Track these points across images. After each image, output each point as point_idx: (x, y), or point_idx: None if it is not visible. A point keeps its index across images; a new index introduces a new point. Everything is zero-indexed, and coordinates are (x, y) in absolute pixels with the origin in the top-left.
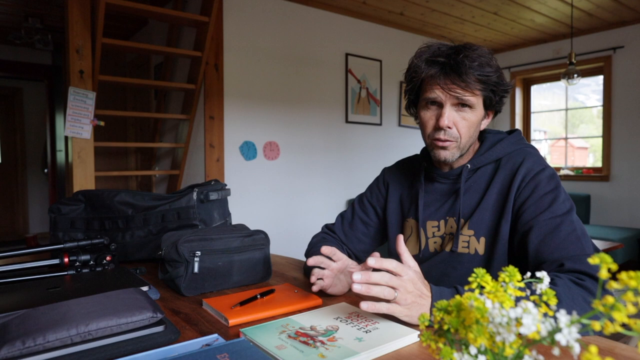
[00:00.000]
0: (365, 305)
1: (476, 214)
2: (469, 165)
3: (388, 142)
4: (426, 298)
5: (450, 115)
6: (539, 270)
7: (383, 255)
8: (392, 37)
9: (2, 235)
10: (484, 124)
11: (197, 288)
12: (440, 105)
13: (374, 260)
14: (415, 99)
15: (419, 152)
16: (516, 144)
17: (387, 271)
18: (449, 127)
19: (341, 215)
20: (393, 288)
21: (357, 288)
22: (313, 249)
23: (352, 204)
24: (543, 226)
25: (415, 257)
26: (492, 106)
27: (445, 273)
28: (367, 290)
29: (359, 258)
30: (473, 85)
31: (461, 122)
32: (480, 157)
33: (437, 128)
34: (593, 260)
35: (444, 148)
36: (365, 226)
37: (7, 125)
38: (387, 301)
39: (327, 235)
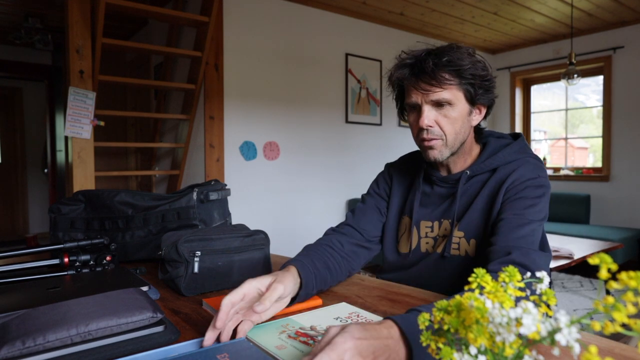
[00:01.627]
0: None
1: (466, 216)
2: (468, 172)
3: (388, 142)
4: (384, 341)
5: (429, 114)
6: (488, 254)
7: (377, 255)
8: (392, 37)
9: (2, 235)
10: (476, 120)
11: (197, 288)
12: (419, 107)
13: None
14: (403, 106)
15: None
16: (518, 152)
17: None
18: (430, 126)
19: (351, 210)
20: None
21: None
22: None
23: (361, 198)
24: (510, 221)
25: (405, 256)
26: (476, 100)
27: (435, 275)
28: None
29: (371, 246)
30: (445, 81)
31: (443, 120)
32: (481, 164)
33: (421, 129)
34: (540, 258)
35: (431, 148)
36: (379, 212)
37: (7, 125)
38: None
39: (323, 239)
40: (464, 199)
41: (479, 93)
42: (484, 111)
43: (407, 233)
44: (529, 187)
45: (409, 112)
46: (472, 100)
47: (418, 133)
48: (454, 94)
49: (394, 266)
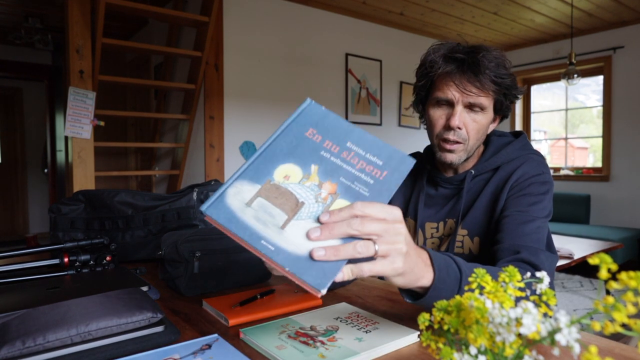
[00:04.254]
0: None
1: (470, 214)
2: (472, 172)
3: (388, 142)
4: (422, 254)
5: (461, 115)
6: (495, 253)
7: None
8: (392, 37)
9: (2, 235)
10: (491, 129)
11: (197, 288)
12: (451, 105)
13: (327, 215)
14: (425, 96)
15: (420, 151)
16: (521, 149)
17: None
18: (459, 128)
19: None
20: (369, 239)
21: (319, 254)
22: None
23: None
24: (514, 218)
25: None
26: (501, 110)
27: None
28: (335, 253)
29: None
30: (488, 87)
31: (471, 124)
32: (485, 163)
33: (447, 128)
34: (547, 259)
35: (451, 151)
36: None
37: (7, 125)
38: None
39: None
40: (467, 197)
41: (506, 105)
42: (498, 121)
43: (411, 235)
44: (533, 183)
45: (432, 106)
46: (498, 111)
47: (442, 131)
48: (489, 101)
49: None
